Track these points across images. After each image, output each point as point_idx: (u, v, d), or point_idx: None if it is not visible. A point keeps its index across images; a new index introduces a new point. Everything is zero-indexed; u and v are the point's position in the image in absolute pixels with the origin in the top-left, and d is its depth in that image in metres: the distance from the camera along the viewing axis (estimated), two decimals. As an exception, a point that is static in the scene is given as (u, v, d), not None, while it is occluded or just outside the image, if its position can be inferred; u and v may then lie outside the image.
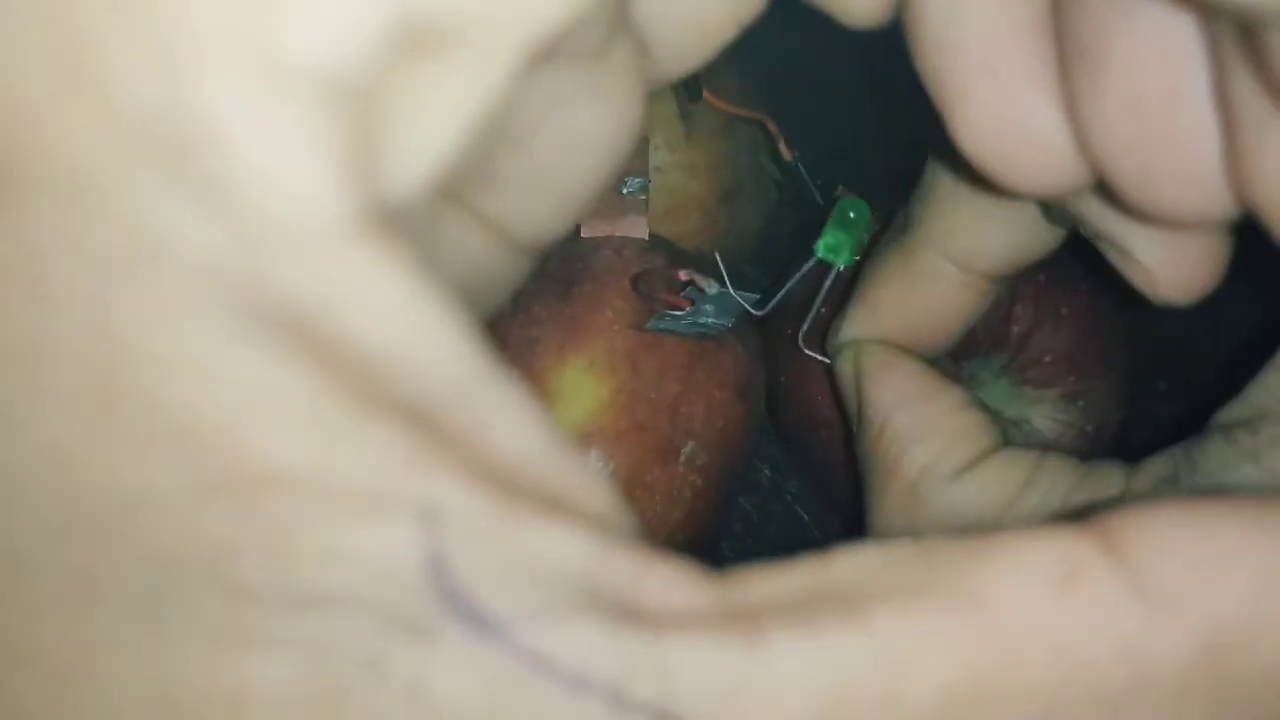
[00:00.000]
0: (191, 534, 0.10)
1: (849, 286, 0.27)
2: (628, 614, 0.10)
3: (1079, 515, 0.11)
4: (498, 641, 0.10)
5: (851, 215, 0.26)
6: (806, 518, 0.37)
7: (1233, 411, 0.21)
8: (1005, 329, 0.30)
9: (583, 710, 0.10)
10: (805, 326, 0.29)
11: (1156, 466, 0.21)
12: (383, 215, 0.10)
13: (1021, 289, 0.30)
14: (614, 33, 0.14)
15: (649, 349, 0.29)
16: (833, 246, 0.26)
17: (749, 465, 0.32)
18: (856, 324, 0.26)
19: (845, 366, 0.26)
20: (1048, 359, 0.30)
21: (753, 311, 0.28)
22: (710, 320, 0.28)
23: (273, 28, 0.10)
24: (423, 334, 0.10)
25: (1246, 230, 0.20)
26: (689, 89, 0.34)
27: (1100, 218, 0.19)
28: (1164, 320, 0.40)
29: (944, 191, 0.24)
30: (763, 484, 0.37)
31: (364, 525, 0.10)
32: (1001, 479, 0.22)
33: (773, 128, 0.34)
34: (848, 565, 0.11)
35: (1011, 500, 0.21)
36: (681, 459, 0.29)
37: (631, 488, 0.28)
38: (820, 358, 0.28)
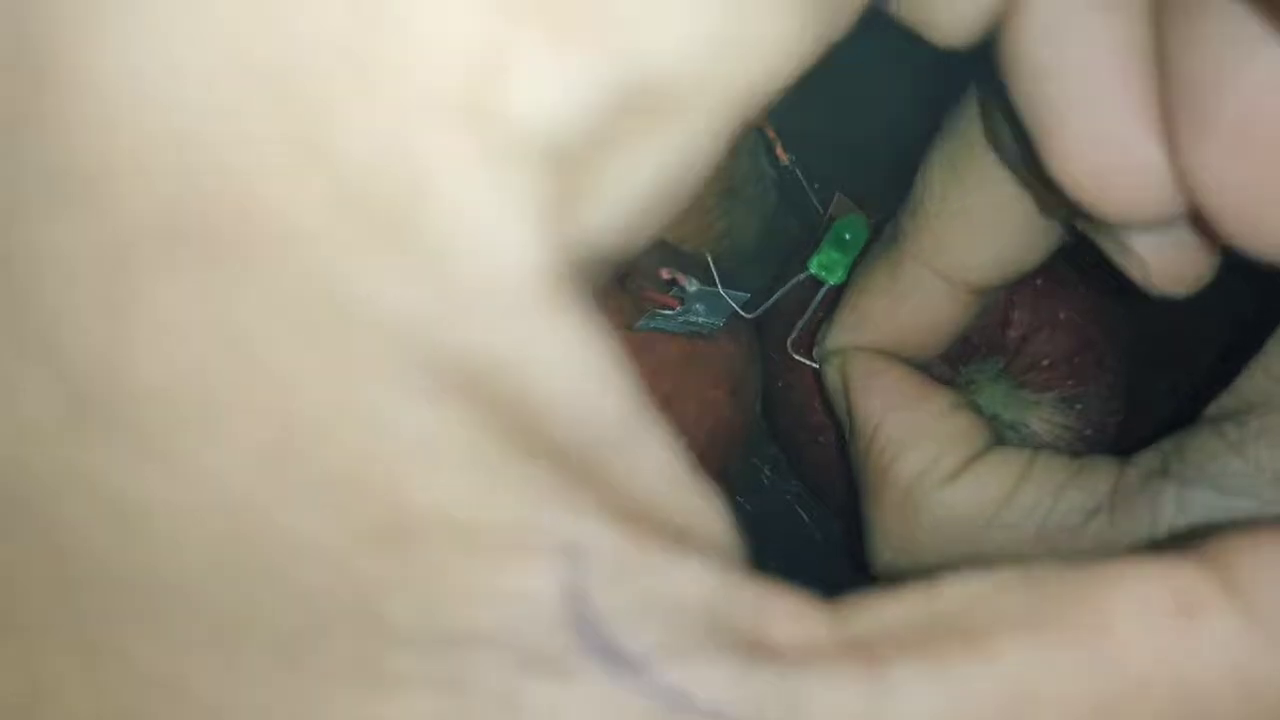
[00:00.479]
0: (344, 577, 0.10)
1: (838, 293, 0.27)
2: (756, 648, 0.10)
3: (1183, 540, 0.12)
4: (634, 679, 0.10)
5: (848, 237, 0.26)
6: (807, 518, 0.37)
7: (1221, 404, 0.21)
8: (1002, 333, 0.30)
9: None
10: (794, 335, 0.29)
11: (1146, 459, 0.21)
12: (569, 268, 0.11)
13: (1019, 293, 0.30)
14: None
15: (640, 348, 0.29)
16: (826, 265, 0.26)
17: (744, 464, 0.32)
18: (844, 332, 0.26)
19: (833, 375, 0.26)
20: (1045, 363, 0.31)
21: (741, 313, 0.28)
22: (701, 320, 0.28)
23: (497, 89, 0.10)
24: (589, 382, 0.11)
25: None
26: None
27: (1098, 206, 0.19)
28: (1164, 320, 0.40)
29: (932, 205, 0.24)
30: (763, 485, 0.38)
31: (508, 564, 0.10)
32: (995, 478, 0.22)
33: (770, 132, 0.34)
34: (958, 594, 0.11)
35: (1006, 498, 0.21)
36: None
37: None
38: (811, 363, 0.28)
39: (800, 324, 0.29)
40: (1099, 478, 0.21)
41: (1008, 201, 0.22)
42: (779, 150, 0.34)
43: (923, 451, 0.23)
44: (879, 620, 0.11)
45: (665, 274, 0.27)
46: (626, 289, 0.29)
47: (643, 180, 0.11)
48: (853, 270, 0.27)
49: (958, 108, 0.23)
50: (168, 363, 0.10)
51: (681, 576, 0.10)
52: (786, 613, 0.11)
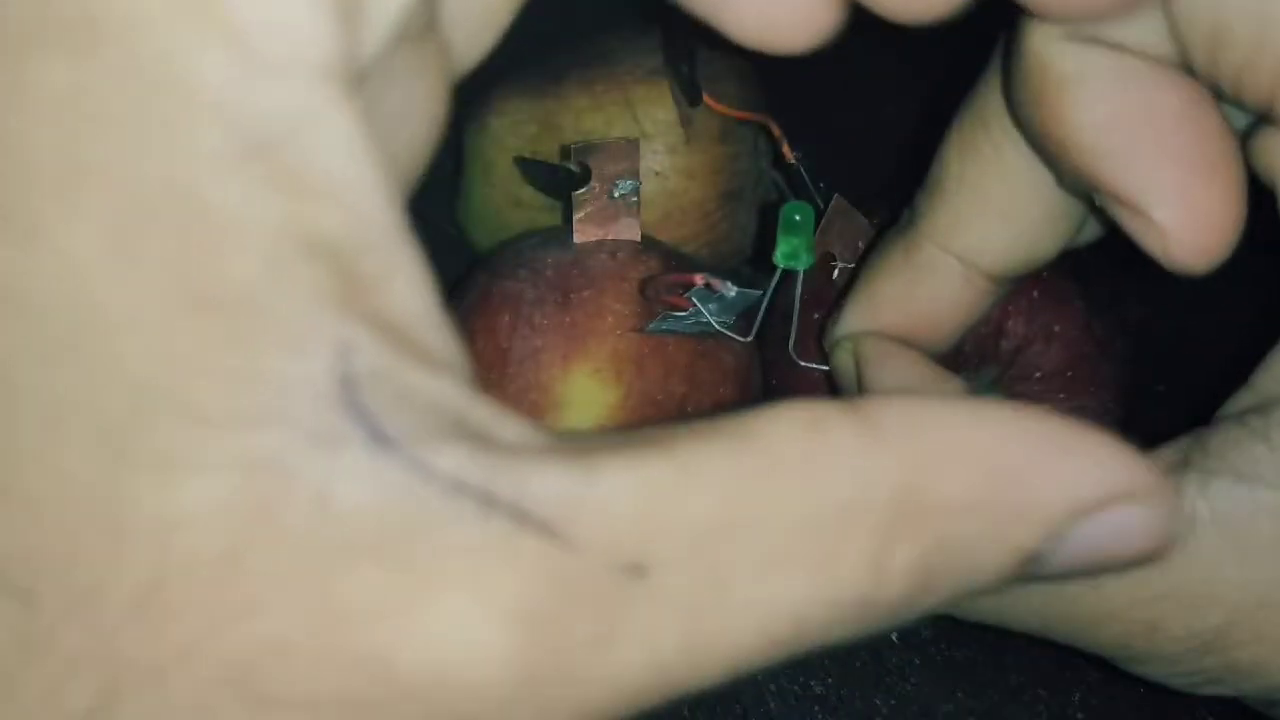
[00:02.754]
0: (164, 356, 0.12)
1: (842, 290, 0.27)
2: (491, 442, 0.13)
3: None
4: (392, 454, 0.12)
5: (797, 219, 0.26)
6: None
7: (1241, 400, 0.21)
8: (996, 344, 0.30)
9: (458, 509, 0.12)
10: (793, 338, 0.29)
11: (1167, 453, 0.21)
12: (356, 71, 0.13)
13: (1014, 304, 0.30)
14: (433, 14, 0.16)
15: (653, 351, 0.29)
16: (788, 254, 0.26)
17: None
18: (855, 318, 0.26)
19: (844, 359, 0.26)
20: (1038, 375, 0.30)
21: (738, 339, 0.28)
22: (711, 320, 0.28)
23: None
24: (362, 178, 0.13)
25: (1248, 232, 0.20)
26: (689, 94, 0.34)
27: (1118, 172, 0.19)
28: (1159, 336, 0.40)
29: (950, 186, 0.24)
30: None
31: (295, 353, 0.12)
32: None
33: (776, 130, 0.34)
34: (662, 428, 0.14)
35: None
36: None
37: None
38: (812, 365, 0.28)
39: (793, 325, 0.28)
40: None
41: (1025, 183, 0.23)
42: (785, 148, 0.33)
43: None
44: (598, 437, 0.14)
45: (700, 280, 0.27)
46: (644, 294, 0.29)
47: None
48: (863, 256, 0.27)
49: (973, 92, 0.23)
50: (38, 133, 0.12)
51: (431, 385, 0.13)
52: (517, 425, 0.13)
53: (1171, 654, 0.20)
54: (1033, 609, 0.21)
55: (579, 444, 0.13)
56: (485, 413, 0.13)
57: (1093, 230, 0.26)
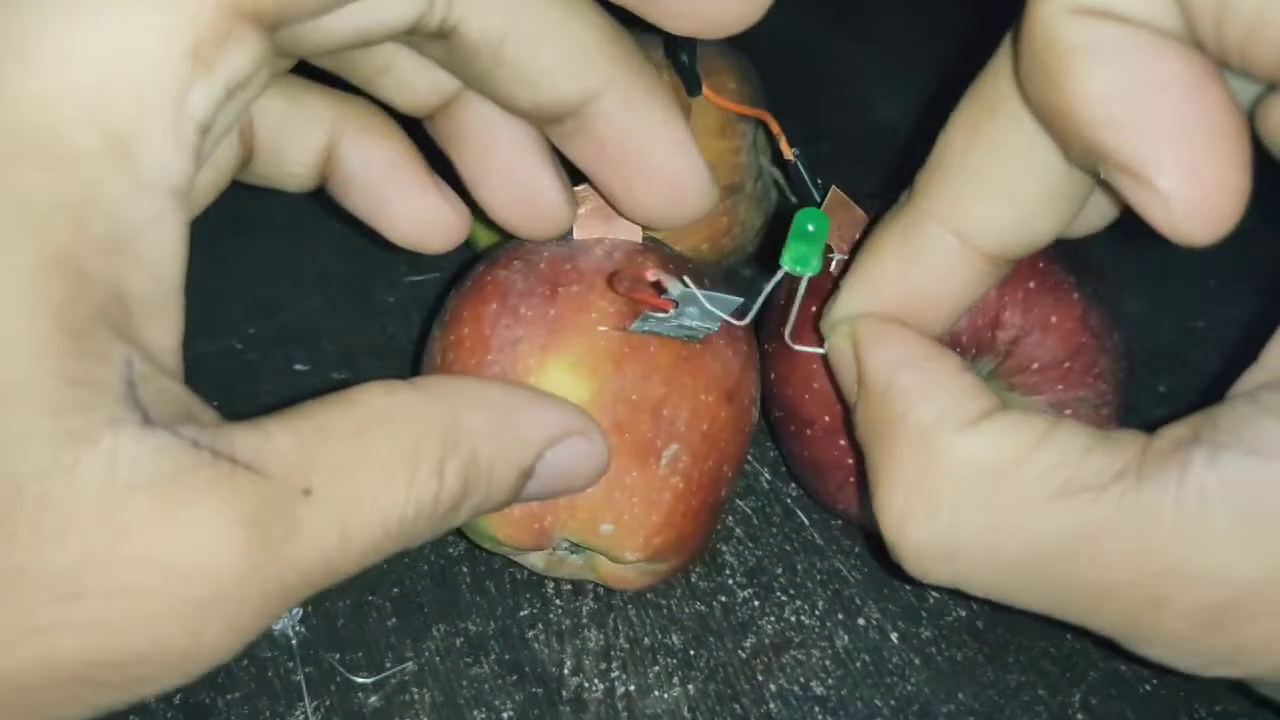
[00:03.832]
0: (34, 361, 0.18)
1: (837, 279, 0.27)
2: (207, 423, 0.20)
3: None
4: (156, 428, 0.19)
5: (811, 228, 0.25)
6: (806, 521, 0.36)
7: (1253, 377, 0.21)
8: (993, 334, 0.30)
9: (195, 459, 0.19)
10: (789, 327, 0.28)
11: (1176, 429, 0.20)
12: (188, 186, 0.20)
13: (1010, 294, 0.30)
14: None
15: (634, 351, 0.29)
16: (798, 259, 0.26)
17: (741, 469, 0.32)
18: (853, 299, 0.26)
19: (840, 342, 0.26)
20: (1035, 366, 0.30)
21: (731, 321, 0.27)
22: (695, 323, 0.28)
23: None
24: (174, 255, 0.20)
25: (1247, 235, 0.20)
26: (689, 84, 0.34)
27: (1123, 142, 0.20)
28: (1156, 327, 0.40)
29: (952, 165, 0.24)
30: (762, 488, 0.37)
31: (104, 363, 0.18)
32: (1016, 433, 0.21)
33: (775, 126, 0.33)
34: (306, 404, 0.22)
35: (1028, 453, 0.21)
36: (662, 461, 0.29)
37: (611, 489, 0.28)
38: (809, 349, 0.28)
39: (793, 315, 0.28)
40: (1126, 443, 0.21)
41: (1025, 164, 0.23)
42: (784, 145, 0.33)
43: (940, 401, 0.22)
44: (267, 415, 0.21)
45: (650, 275, 0.26)
46: (613, 288, 0.29)
47: None
48: (860, 239, 0.27)
49: (978, 77, 0.23)
50: None
51: (174, 388, 0.19)
52: (212, 411, 0.20)
53: (1177, 631, 0.20)
54: (1039, 586, 0.21)
55: (254, 421, 0.20)
56: (202, 407, 0.20)
57: (1091, 222, 0.26)
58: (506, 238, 0.31)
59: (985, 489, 0.21)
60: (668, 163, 0.27)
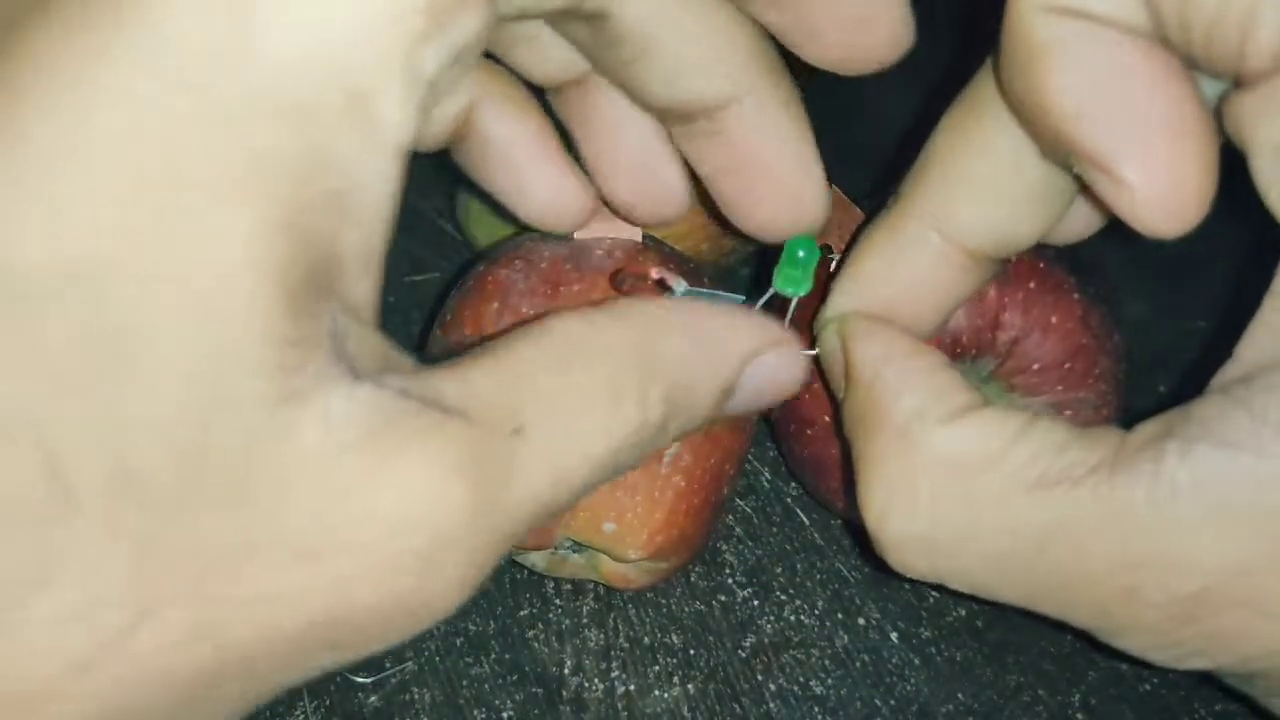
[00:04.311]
0: (259, 326, 0.17)
1: (830, 280, 0.27)
2: (409, 371, 0.19)
3: None
4: (363, 380, 0.18)
5: (801, 254, 0.26)
6: (806, 521, 0.36)
7: (1227, 373, 0.21)
8: (993, 335, 0.30)
9: (404, 408, 0.18)
10: (785, 325, 0.29)
11: (1151, 426, 0.21)
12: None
13: (1010, 295, 0.30)
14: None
15: None
16: (789, 281, 0.27)
17: (742, 467, 0.32)
18: (842, 297, 0.26)
19: (830, 339, 0.26)
20: (1035, 367, 0.30)
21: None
22: None
23: None
24: (383, 220, 0.19)
25: (1246, 236, 0.20)
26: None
27: (1092, 135, 0.20)
28: (1156, 328, 0.40)
29: (936, 165, 0.24)
30: (763, 487, 0.37)
31: (316, 320, 0.17)
32: (996, 427, 0.22)
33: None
34: (495, 340, 0.21)
35: (1007, 446, 0.22)
36: (664, 460, 0.29)
37: (612, 488, 0.28)
38: (804, 352, 0.28)
39: (787, 319, 0.28)
40: (1103, 438, 0.21)
41: (1009, 164, 0.23)
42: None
43: (922, 393, 0.23)
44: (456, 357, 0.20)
45: (654, 273, 0.26)
46: (615, 286, 0.29)
47: None
48: (849, 243, 0.27)
49: (967, 85, 0.24)
50: None
51: (374, 339, 0.19)
52: (411, 359, 0.19)
53: (1150, 623, 0.20)
54: (1016, 577, 0.21)
55: (451, 363, 0.19)
56: (399, 355, 0.19)
57: (1077, 229, 0.26)
58: (511, 236, 0.31)
59: (964, 482, 0.22)
60: (792, 176, 0.26)
